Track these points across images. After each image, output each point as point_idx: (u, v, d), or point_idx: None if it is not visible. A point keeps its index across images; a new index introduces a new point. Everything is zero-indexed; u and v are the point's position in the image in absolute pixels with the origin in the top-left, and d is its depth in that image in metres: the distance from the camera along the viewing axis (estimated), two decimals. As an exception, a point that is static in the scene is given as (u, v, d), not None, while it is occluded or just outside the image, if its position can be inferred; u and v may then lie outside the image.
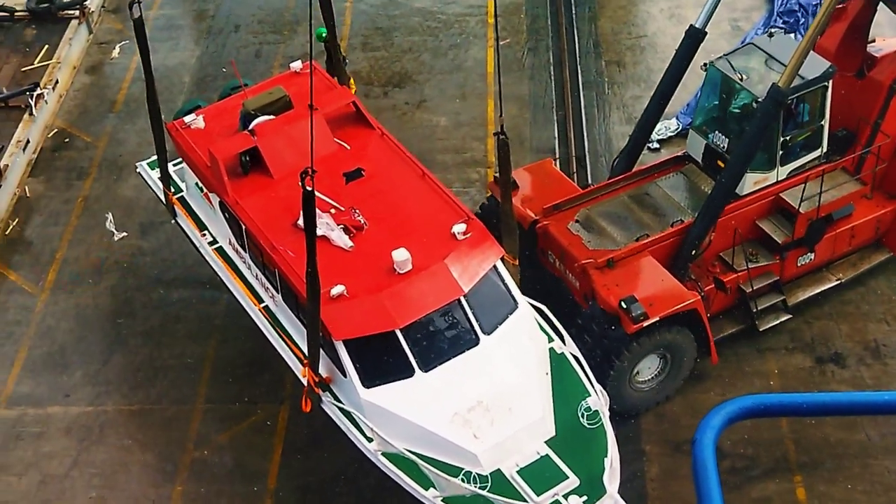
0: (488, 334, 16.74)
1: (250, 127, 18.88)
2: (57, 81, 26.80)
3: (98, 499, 18.94)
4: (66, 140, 26.04)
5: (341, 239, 17.26)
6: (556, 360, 17.06)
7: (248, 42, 28.52)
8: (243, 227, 18.23)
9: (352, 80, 25.38)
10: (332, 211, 17.70)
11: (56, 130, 26.30)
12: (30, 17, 28.44)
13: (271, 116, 19.07)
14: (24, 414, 20.33)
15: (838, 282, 20.79)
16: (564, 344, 17.35)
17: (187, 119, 19.80)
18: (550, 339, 17.37)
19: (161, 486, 19.06)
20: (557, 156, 22.92)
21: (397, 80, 27.15)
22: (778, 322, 20.27)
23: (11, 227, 23.90)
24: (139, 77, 27.38)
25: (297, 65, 20.71)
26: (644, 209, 20.12)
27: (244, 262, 19.05)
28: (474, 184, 24.02)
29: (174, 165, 20.86)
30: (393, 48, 28.14)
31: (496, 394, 16.28)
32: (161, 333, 21.53)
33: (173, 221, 20.98)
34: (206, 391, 20.45)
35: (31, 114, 25.55)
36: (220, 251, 19.53)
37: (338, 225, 17.39)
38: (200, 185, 19.71)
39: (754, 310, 19.95)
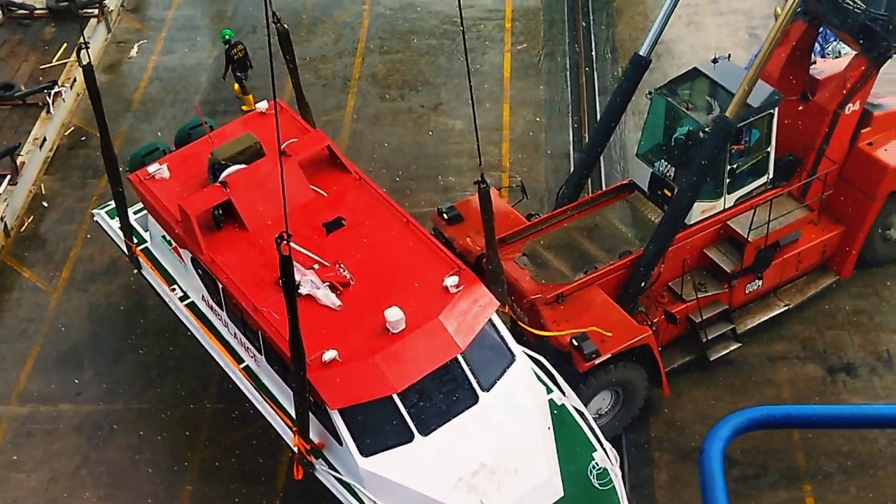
0: (487, 391, 16.01)
1: (221, 178, 18.02)
2: (75, 80, 26.87)
3: (107, 497, 19.01)
4: (83, 138, 26.14)
5: (328, 298, 16.45)
6: (557, 412, 16.46)
7: (264, 43, 28.42)
8: (220, 285, 17.37)
9: (250, 97, 25.28)
10: (316, 266, 16.89)
11: (73, 128, 26.41)
12: (49, 15, 28.55)
13: (242, 165, 18.19)
14: (35, 411, 20.43)
15: (786, 307, 20.51)
16: (564, 395, 16.73)
17: (151, 169, 18.82)
18: (549, 390, 16.76)
19: (170, 485, 19.11)
20: (500, 187, 22.57)
21: (413, 83, 27.17)
22: (727, 352, 19.89)
23: (26, 224, 23.99)
24: (156, 77, 27.62)
25: (262, 105, 19.76)
26: (591, 240, 19.72)
27: (220, 320, 18.17)
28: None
29: (134, 213, 20.05)
30: (410, 51, 28.16)
31: (500, 454, 15.63)
32: (173, 333, 21.49)
33: (136, 272, 20.30)
34: (217, 391, 20.46)
35: (48, 111, 25.65)
36: (192, 307, 18.69)
37: (323, 282, 16.58)
38: (168, 237, 18.84)
39: (704, 339, 19.61)
